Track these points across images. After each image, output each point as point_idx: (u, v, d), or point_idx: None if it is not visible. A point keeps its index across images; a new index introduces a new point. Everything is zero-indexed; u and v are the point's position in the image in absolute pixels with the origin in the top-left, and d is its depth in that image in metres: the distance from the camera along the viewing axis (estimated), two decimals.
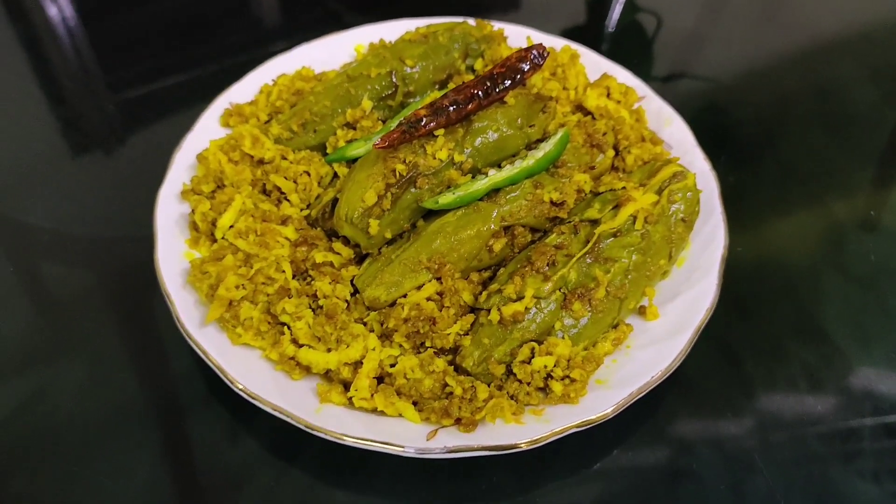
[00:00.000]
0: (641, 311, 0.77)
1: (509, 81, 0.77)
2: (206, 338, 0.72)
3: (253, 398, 0.68)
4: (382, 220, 0.72)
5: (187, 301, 0.75)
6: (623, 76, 0.97)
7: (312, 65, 0.99)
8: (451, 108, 0.74)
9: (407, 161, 0.73)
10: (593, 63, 0.98)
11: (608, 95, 0.91)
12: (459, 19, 0.98)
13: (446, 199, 0.73)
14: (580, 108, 0.90)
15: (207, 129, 0.91)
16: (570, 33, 1.23)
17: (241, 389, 0.69)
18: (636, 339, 0.75)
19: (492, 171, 0.76)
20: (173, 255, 0.79)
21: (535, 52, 0.78)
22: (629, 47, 1.27)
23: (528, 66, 0.78)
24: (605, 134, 0.84)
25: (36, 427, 0.75)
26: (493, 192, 0.76)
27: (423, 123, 0.72)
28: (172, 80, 1.17)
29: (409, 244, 0.74)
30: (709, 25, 1.34)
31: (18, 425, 0.75)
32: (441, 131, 0.74)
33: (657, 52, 1.27)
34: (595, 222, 0.76)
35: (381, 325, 0.72)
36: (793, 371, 0.80)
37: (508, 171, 0.76)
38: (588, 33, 1.29)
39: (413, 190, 0.73)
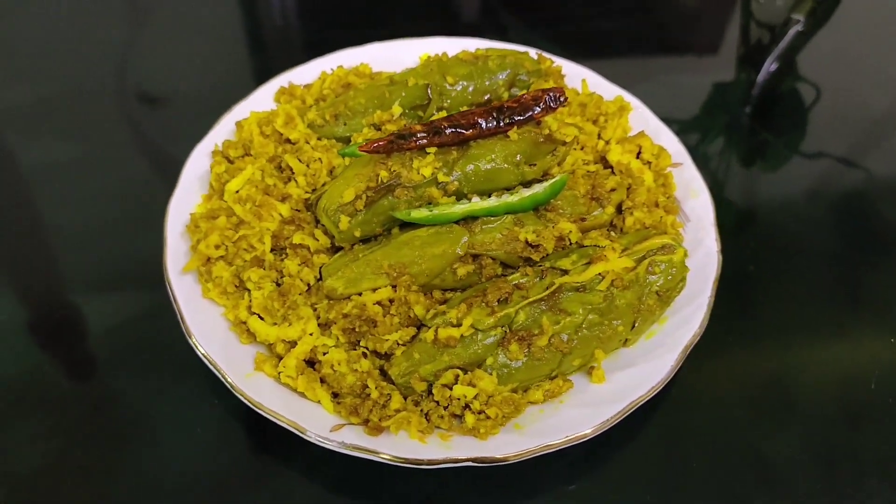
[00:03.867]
0: (590, 371, 0.76)
1: (518, 118, 0.78)
2: (181, 284, 0.79)
3: (196, 346, 0.74)
4: (354, 218, 0.76)
5: (180, 247, 0.83)
6: (669, 140, 0.95)
7: (377, 63, 1.04)
8: (449, 130, 0.76)
9: (392, 169, 0.76)
10: (643, 120, 0.97)
11: (639, 154, 0.90)
12: (524, 49, 0.99)
13: (419, 213, 0.76)
14: (605, 160, 0.90)
15: (260, 100, 0.98)
16: (718, 89, 1.23)
17: (190, 336, 0.75)
18: (573, 397, 0.74)
19: (475, 199, 0.78)
20: (186, 204, 0.86)
21: (550, 94, 0.79)
22: (780, 114, 1.22)
23: (539, 108, 0.79)
24: (612, 190, 0.83)
25: None
26: (472, 219, 0.78)
27: (415, 137, 0.75)
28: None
29: (379, 247, 0.77)
30: (872, 107, 1.23)
31: None
32: (433, 149, 0.77)
33: (811, 126, 1.20)
34: (565, 272, 0.76)
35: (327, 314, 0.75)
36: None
37: (489, 202, 0.77)
38: (734, 92, 1.25)
39: (390, 198, 0.76)
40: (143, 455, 0.76)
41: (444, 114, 0.92)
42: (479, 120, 0.77)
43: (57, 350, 0.86)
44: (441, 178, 0.76)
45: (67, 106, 1.16)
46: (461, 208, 0.77)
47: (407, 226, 0.79)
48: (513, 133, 0.79)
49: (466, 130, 0.77)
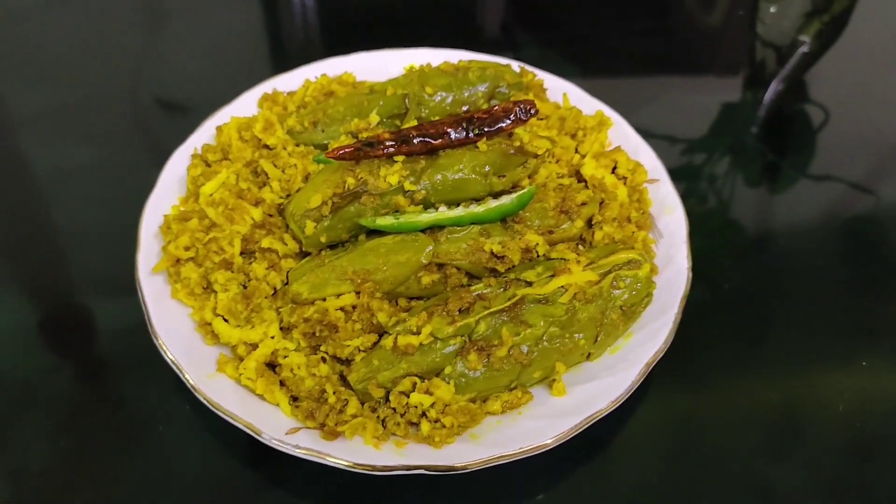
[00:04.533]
0: (551, 384, 0.76)
1: (487, 129, 0.79)
2: (151, 283, 0.80)
3: (161, 347, 0.75)
4: (320, 224, 0.77)
5: (153, 248, 0.84)
6: (647, 156, 0.94)
7: (362, 72, 1.05)
8: (417, 140, 0.77)
9: (359, 177, 0.77)
10: (623, 136, 0.97)
11: (614, 169, 0.90)
12: (507, 62, 1.00)
13: (384, 221, 0.76)
14: (580, 174, 0.90)
15: (244, 106, 1.00)
16: (727, 109, 1.22)
17: (155, 336, 0.76)
18: (532, 409, 0.74)
19: (443, 208, 0.78)
20: (163, 206, 0.88)
21: (520, 107, 0.79)
22: (787, 136, 1.21)
23: (509, 120, 0.79)
24: (583, 204, 0.83)
25: None
26: (438, 229, 0.78)
27: (382, 145, 0.76)
28: None
29: (345, 253, 0.78)
30: (883, 131, 1.21)
31: None
32: (400, 158, 0.77)
33: (819, 149, 1.18)
34: (529, 284, 0.76)
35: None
36: None
37: (456, 212, 0.78)
38: (741, 112, 1.24)
39: (357, 205, 0.77)
40: (148, 459, 0.76)
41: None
42: (449, 130, 0.78)
43: (66, 351, 0.87)
44: (408, 186, 0.77)
45: (85, 110, 1.18)
46: (427, 217, 0.77)
47: (374, 233, 0.79)
48: (482, 144, 0.80)
49: (435, 140, 0.77)
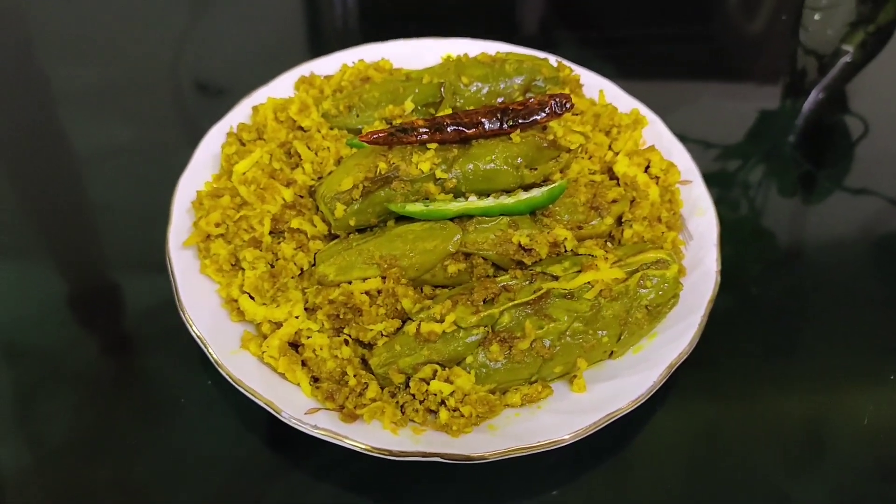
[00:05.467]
0: (572, 380, 0.76)
1: (522, 121, 0.79)
2: (181, 258, 0.81)
3: (188, 321, 0.76)
4: (350, 207, 0.77)
5: (184, 223, 0.85)
6: (681, 157, 0.94)
7: (399, 59, 1.05)
8: (451, 128, 0.77)
9: (391, 162, 0.77)
10: (657, 136, 0.96)
11: (647, 168, 0.89)
12: (544, 55, 0.99)
13: (414, 207, 0.77)
14: (612, 171, 0.89)
15: (281, 87, 1.00)
16: (764, 116, 1.21)
17: (182, 310, 0.77)
18: (551, 403, 0.74)
19: (472, 198, 0.78)
20: (196, 181, 0.89)
21: (556, 100, 0.79)
22: (825, 147, 1.19)
23: (544, 113, 0.79)
24: (614, 201, 0.82)
25: None
26: (466, 218, 0.78)
27: (416, 132, 0.76)
28: None
29: (373, 237, 0.78)
30: None
31: None
32: (434, 145, 0.77)
33: (857, 162, 1.16)
34: (555, 278, 0.76)
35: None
36: None
37: (486, 202, 0.78)
38: (778, 120, 1.23)
39: (387, 190, 0.77)
40: (169, 434, 0.77)
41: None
42: (483, 120, 0.78)
43: (94, 325, 0.88)
44: (439, 174, 0.77)
45: (126, 90, 1.20)
46: (456, 206, 0.77)
47: (403, 219, 0.79)
48: (515, 136, 0.79)
49: (469, 129, 0.77)
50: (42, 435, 0.77)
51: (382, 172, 0.76)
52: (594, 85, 1.01)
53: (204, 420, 0.79)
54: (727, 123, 1.19)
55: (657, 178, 0.89)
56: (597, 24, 1.44)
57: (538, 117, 0.79)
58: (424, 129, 0.76)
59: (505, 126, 0.78)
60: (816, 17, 1.40)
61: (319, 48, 1.33)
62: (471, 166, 0.78)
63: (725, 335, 0.86)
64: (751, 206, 1.07)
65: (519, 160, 0.79)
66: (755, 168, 1.13)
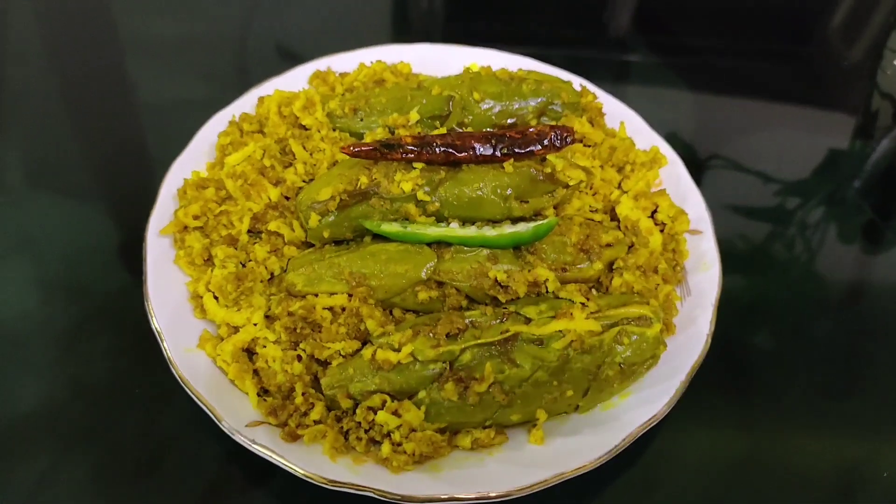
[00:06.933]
0: (531, 429, 0.72)
1: (516, 149, 0.74)
2: (156, 245, 0.80)
3: (150, 312, 0.75)
4: (325, 218, 0.74)
5: (169, 209, 0.83)
6: (695, 204, 0.88)
7: (421, 64, 1.01)
8: (440, 149, 0.73)
9: (373, 177, 0.74)
10: (675, 178, 0.90)
11: (654, 213, 0.84)
12: (569, 78, 0.94)
13: (390, 228, 0.73)
14: (614, 211, 0.84)
15: (294, 80, 0.98)
16: (832, 155, 1.15)
17: (147, 299, 0.75)
18: (504, 452, 0.70)
19: (454, 225, 0.75)
20: (187, 169, 0.87)
21: (556, 133, 0.74)
22: (891, 196, 1.13)
23: (541, 145, 0.74)
24: (608, 245, 0.77)
25: None
26: (445, 245, 0.74)
27: (402, 149, 0.72)
28: None
29: (346, 252, 0.75)
30: None
31: None
32: (420, 165, 0.74)
33: None
34: (528, 321, 0.72)
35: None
36: None
37: (468, 231, 0.74)
38: (846, 162, 1.17)
39: (365, 205, 0.74)
40: None
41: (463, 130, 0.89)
42: (475, 144, 0.74)
43: (140, 275, 0.85)
44: (421, 196, 0.73)
45: (196, 46, 1.21)
46: (435, 231, 0.73)
47: (381, 238, 0.76)
48: (508, 165, 0.75)
49: (459, 152, 0.74)
50: (79, 375, 0.78)
51: (362, 187, 0.73)
52: (617, 114, 0.96)
53: None
54: (792, 156, 1.14)
55: (664, 224, 0.83)
56: (685, 30, 1.39)
57: (535, 148, 0.74)
58: (412, 147, 0.73)
59: (498, 153, 0.74)
60: None
61: (401, 29, 1.31)
62: (456, 191, 0.74)
63: (767, 374, 0.84)
64: (806, 248, 1.01)
65: (509, 191, 0.75)
66: (815, 209, 1.07)
